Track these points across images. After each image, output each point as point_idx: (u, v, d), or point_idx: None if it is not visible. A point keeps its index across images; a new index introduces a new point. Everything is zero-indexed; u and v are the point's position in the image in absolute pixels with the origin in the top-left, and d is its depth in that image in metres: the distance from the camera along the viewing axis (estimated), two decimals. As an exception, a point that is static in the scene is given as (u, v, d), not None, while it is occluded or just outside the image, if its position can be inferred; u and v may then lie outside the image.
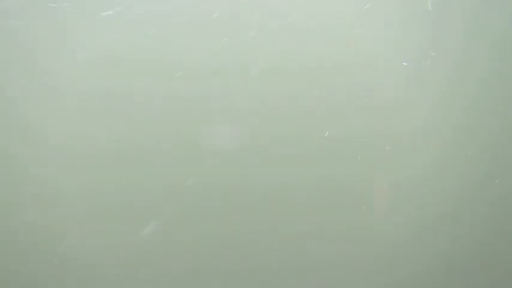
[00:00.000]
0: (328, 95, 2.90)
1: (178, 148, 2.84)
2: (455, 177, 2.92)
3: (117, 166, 2.83)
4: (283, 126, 2.89)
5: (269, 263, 2.87)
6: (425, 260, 2.90)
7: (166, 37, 2.84)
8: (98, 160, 2.82)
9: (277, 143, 2.88)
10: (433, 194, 2.91)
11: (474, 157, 2.93)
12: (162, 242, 2.83)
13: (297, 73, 2.88)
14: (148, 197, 2.82)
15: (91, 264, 2.81)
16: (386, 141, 2.91)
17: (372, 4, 2.91)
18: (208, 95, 2.86)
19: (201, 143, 2.84)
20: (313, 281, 2.88)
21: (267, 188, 2.86)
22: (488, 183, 2.93)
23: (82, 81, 2.81)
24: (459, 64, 2.95)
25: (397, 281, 2.88)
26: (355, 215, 2.89)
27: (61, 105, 2.81)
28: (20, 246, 2.77)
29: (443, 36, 2.94)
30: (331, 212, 2.89)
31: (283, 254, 2.87)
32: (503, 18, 2.94)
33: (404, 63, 2.92)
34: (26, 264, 2.76)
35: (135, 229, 2.81)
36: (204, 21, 2.86)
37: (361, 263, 2.87)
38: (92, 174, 2.81)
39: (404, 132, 2.92)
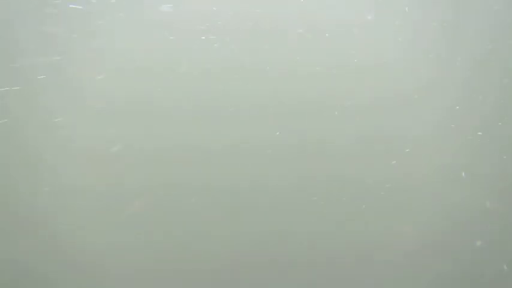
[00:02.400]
0: (346, 96, 2.95)
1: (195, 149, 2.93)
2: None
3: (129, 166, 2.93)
4: (297, 125, 2.95)
5: (274, 263, 2.92)
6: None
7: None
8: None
9: (288, 142, 2.94)
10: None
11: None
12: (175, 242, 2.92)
13: (310, 75, 2.95)
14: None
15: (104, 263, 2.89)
16: (404, 142, 2.93)
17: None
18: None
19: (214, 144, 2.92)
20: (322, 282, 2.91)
21: (278, 187, 2.92)
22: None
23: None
24: (480, 64, 2.97)
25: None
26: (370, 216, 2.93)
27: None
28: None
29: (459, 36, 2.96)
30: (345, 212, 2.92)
31: (289, 253, 2.92)
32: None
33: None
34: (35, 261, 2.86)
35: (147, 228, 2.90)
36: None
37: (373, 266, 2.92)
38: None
39: (422, 132, 2.94)
